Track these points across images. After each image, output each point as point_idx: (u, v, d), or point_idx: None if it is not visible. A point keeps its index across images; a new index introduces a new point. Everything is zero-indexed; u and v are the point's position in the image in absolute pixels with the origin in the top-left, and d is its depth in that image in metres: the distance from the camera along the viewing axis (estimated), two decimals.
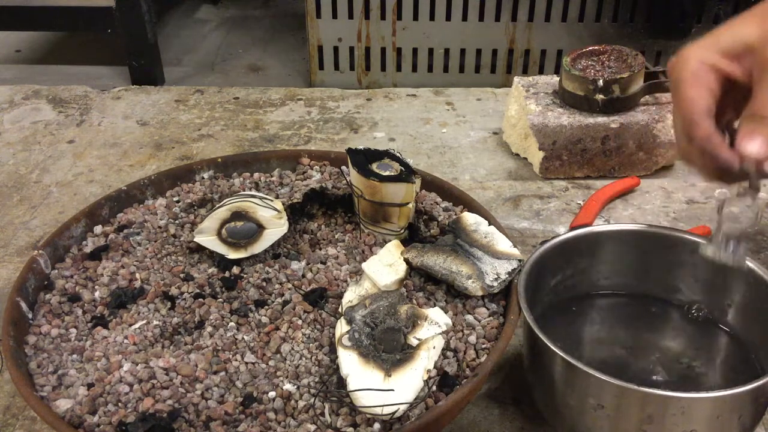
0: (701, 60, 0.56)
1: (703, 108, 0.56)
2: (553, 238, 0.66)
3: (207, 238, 0.67)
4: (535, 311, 0.59)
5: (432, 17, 1.30)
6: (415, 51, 1.32)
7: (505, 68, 1.34)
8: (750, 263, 0.62)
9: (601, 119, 0.93)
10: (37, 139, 1.08)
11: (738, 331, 0.64)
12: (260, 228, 0.67)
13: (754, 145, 0.54)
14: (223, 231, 0.67)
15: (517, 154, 1.02)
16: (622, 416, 0.54)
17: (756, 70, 0.55)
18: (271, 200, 0.70)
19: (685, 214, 0.90)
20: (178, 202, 0.76)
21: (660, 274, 0.67)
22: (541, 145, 0.94)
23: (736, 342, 0.63)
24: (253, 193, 0.71)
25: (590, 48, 0.97)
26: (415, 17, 1.30)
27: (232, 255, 0.67)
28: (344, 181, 0.76)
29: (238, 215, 0.67)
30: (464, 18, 1.30)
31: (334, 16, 1.30)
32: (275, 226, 0.67)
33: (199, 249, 0.69)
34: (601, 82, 0.91)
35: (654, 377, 0.62)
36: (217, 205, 0.69)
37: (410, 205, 0.68)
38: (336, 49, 1.33)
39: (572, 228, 0.84)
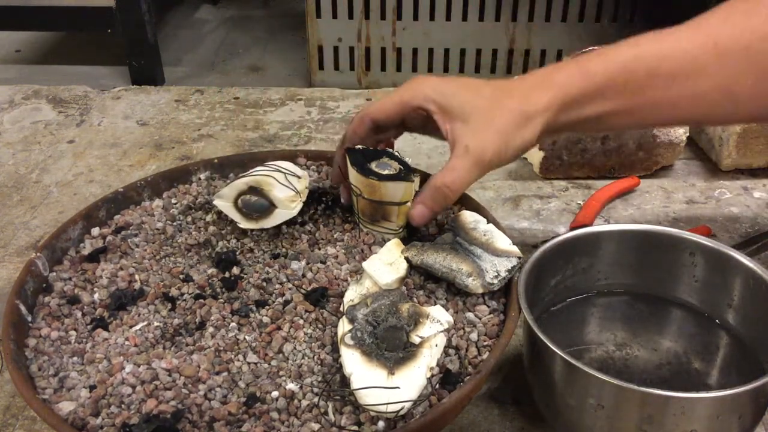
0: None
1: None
2: (553, 238, 0.66)
3: (224, 203, 0.70)
4: (535, 311, 0.59)
5: (432, 17, 1.30)
6: (415, 51, 1.33)
7: (505, 68, 1.34)
8: (750, 263, 0.62)
9: None
10: (37, 139, 1.08)
11: (738, 330, 0.64)
12: (272, 206, 0.69)
13: (416, 208, 0.66)
14: (239, 201, 0.69)
15: None
16: (622, 416, 0.54)
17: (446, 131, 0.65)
18: (299, 177, 0.71)
19: (685, 214, 0.90)
20: (175, 203, 0.76)
21: (660, 274, 0.67)
22: (541, 145, 0.94)
23: (736, 342, 0.64)
24: (283, 165, 0.73)
25: (590, 48, 0.96)
26: (415, 17, 1.30)
27: (244, 225, 0.69)
28: None
29: (254, 189, 0.69)
30: (464, 18, 1.30)
31: (334, 16, 1.30)
32: (286, 208, 0.69)
33: (198, 248, 0.69)
34: None
35: (654, 377, 0.62)
36: (241, 174, 0.72)
37: (409, 204, 0.69)
38: (336, 49, 1.33)
39: (572, 228, 0.85)
